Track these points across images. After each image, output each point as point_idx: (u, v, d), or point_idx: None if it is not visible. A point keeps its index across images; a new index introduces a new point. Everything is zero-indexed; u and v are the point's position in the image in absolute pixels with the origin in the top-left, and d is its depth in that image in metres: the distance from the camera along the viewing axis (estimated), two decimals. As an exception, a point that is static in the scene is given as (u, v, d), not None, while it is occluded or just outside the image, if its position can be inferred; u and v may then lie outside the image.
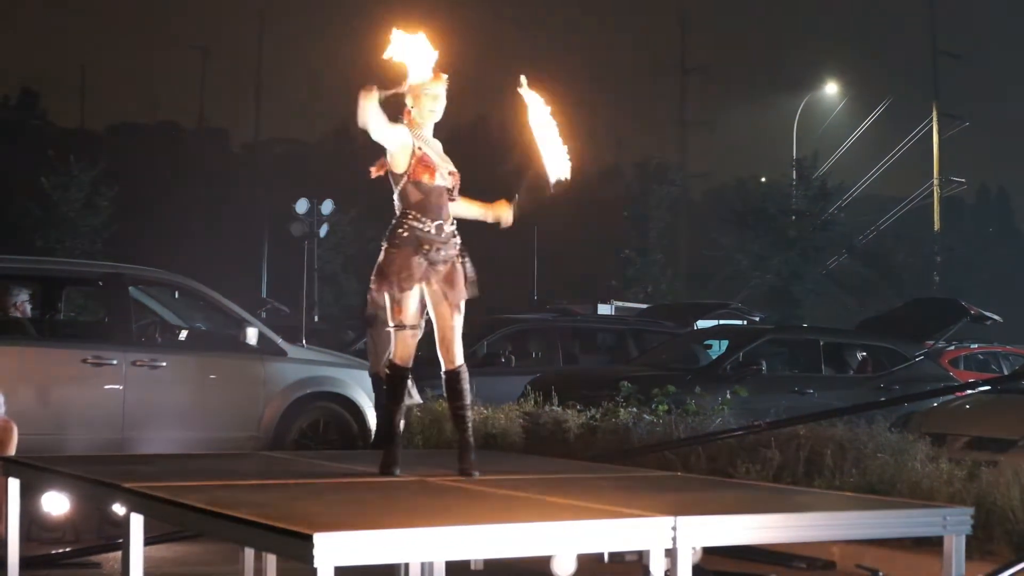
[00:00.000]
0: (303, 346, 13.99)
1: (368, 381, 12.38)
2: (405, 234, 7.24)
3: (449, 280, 7.29)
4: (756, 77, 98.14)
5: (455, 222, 7.38)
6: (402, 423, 12.23)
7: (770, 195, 43.28)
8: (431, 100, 7.40)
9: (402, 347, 7.43)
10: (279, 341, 12.60)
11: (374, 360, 12.28)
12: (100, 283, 12.63)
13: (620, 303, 32.32)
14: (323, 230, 29.97)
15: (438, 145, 7.43)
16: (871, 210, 47.79)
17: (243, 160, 56.76)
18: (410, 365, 7.46)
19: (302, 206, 29.03)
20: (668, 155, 51.16)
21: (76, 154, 39.34)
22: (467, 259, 7.39)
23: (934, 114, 47.32)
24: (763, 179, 47.27)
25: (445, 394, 7.59)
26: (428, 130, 7.43)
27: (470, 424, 7.45)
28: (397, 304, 7.32)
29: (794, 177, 43.19)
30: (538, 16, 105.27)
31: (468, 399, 7.49)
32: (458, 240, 7.34)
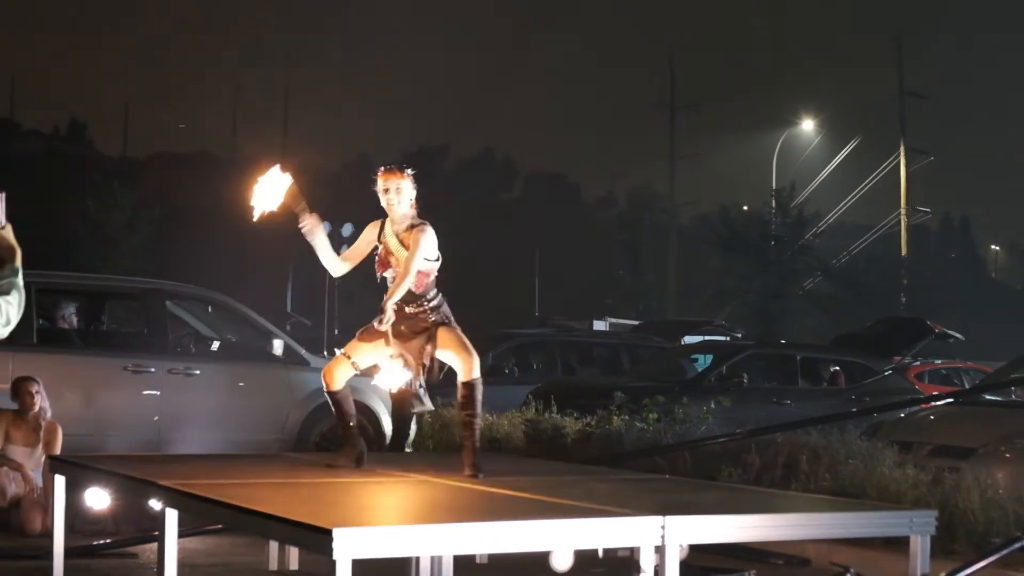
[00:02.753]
0: (325, 357, 13.96)
1: (384, 390, 12.36)
2: (378, 316, 7.51)
3: (416, 347, 7.49)
4: (740, 114, 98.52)
5: (425, 303, 7.48)
6: (414, 427, 12.28)
7: (752, 222, 43.33)
8: (383, 194, 7.56)
9: (334, 370, 7.72)
10: (303, 352, 12.58)
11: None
12: (140, 297, 12.63)
13: (614, 320, 32.33)
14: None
15: (403, 236, 7.54)
16: (844, 236, 47.96)
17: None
18: (332, 388, 7.70)
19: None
20: (659, 184, 51.23)
21: (119, 180, 39.41)
22: (450, 325, 7.50)
23: (901, 149, 47.46)
24: (745, 207, 47.32)
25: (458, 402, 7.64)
26: (395, 224, 7.57)
27: (477, 431, 7.49)
28: (355, 342, 7.63)
29: (774, 205, 43.23)
30: (536, 56, 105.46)
31: (478, 408, 7.51)
32: (430, 318, 7.47)
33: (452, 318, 7.60)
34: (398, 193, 7.51)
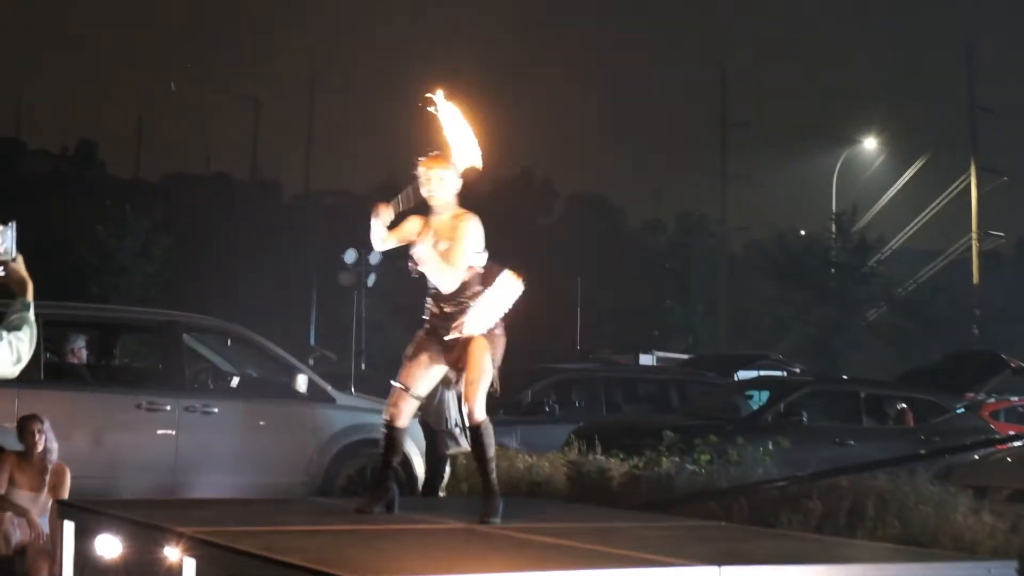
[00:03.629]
0: (351, 393, 13.97)
1: (417, 429, 12.35)
2: (423, 317, 7.72)
3: (459, 356, 7.56)
4: (796, 131, 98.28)
5: (466, 300, 7.53)
6: (448, 471, 12.27)
7: (810, 248, 43.20)
8: (423, 184, 7.61)
9: (394, 403, 7.78)
10: (328, 388, 12.58)
11: (423, 408, 12.26)
12: (154, 330, 12.68)
13: (662, 353, 32.25)
14: (371, 279, 30.01)
15: (446, 223, 7.58)
16: (910, 263, 47.59)
17: (294, 211, 57.04)
18: (398, 424, 7.76)
19: (351, 256, 29.07)
20: (709, 208, 51.11)
21: (132, 204, 39.62)
22: (490, 331, 7.53)
23: (972, 168, 47.12)
24: (803, 232, 47.19)
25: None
26: (439, 214, 7.62)
27: (493, 475, 7.58)
28: (408, 369, 7.73)
29: (834, 230, 43.10)
30: (580, 69, 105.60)
31: (490, 452, 7.63)
32: (462, 310, 7.50)
33: (497, 325, 7.57)
34: (440, 182, 7.57)
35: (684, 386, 19.87)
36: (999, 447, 13.15)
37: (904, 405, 16.81)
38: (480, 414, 7.57)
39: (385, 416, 7.83)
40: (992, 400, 22.87)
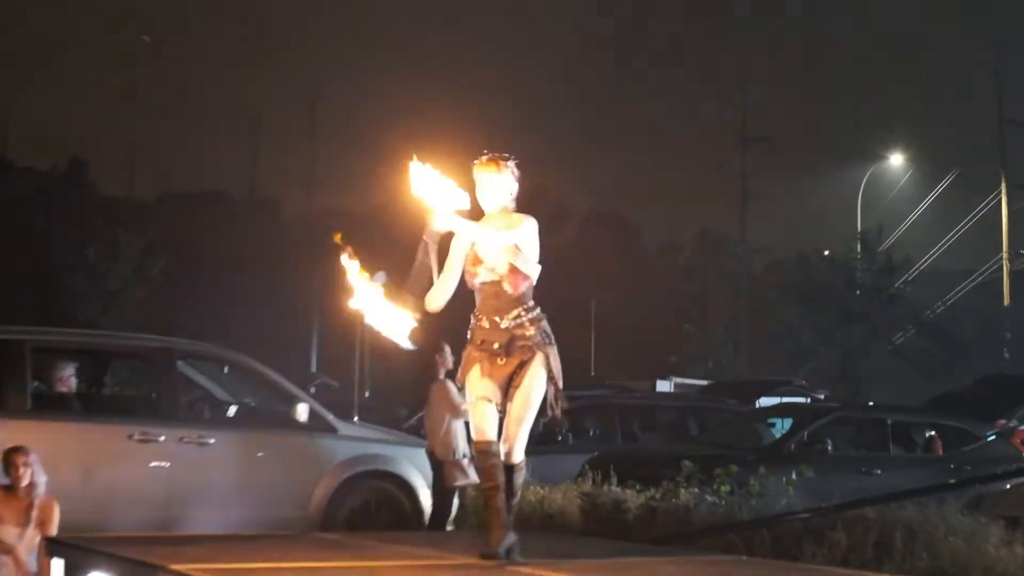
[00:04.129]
0: (354, 423, 13.96)
1: (424, 460, 12.33)
2: (468, 333, 7.49)
3: (513, 375, 7.36)
4: (819, 148, 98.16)
5: (524, 313, 7.39)
6: (456, 504, 12.25)
7: (834, 269, 43.18)
8: (477, 188, 7.51)
9: (474, 419, 7.49)
10: (329, 418, 12.56)
11: (430, 438, 12.25)
12: (147, 357, 12.67)
13: (680, 379, 32.21)
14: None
15: (497, 236, 7.39)
16: (939, 284, 47.51)
17: (295, 231, 57.08)
18: (488, 438, 7.43)
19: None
20: (729, 228, 51.11)
21: (124, 224, 39.61)
22: (547, 355, 7.38)
23: (1003, 185, 47.08)
24: (826, 252, 47.17)
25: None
26: (495, 219, 7.48)
27: (510, 514, 7.43)
28: (468, 386, 7.49)
29: (859, 251, 43.06)
30: (591, 80, 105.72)
31: (516, 497, 7.52)
32: (530, 334, 7.36)
33: (553, 341, 7.47)
34: (492, 188, 7.48)
35: (703, 414, 19.85)
36: (1033, 476, 13.10)
37: (933, 433, 16.76)
38: (519, 455, 7.43)
39: (475, 433, 7.53)
40: (1025, 427, 22.84)
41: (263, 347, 26.95)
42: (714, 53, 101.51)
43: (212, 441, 11.80)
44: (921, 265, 47.35)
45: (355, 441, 12.62)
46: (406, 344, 7.51)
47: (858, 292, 42.08)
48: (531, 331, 7.36)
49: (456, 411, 11.91)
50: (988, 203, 47.62)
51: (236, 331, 37.69)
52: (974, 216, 48.38)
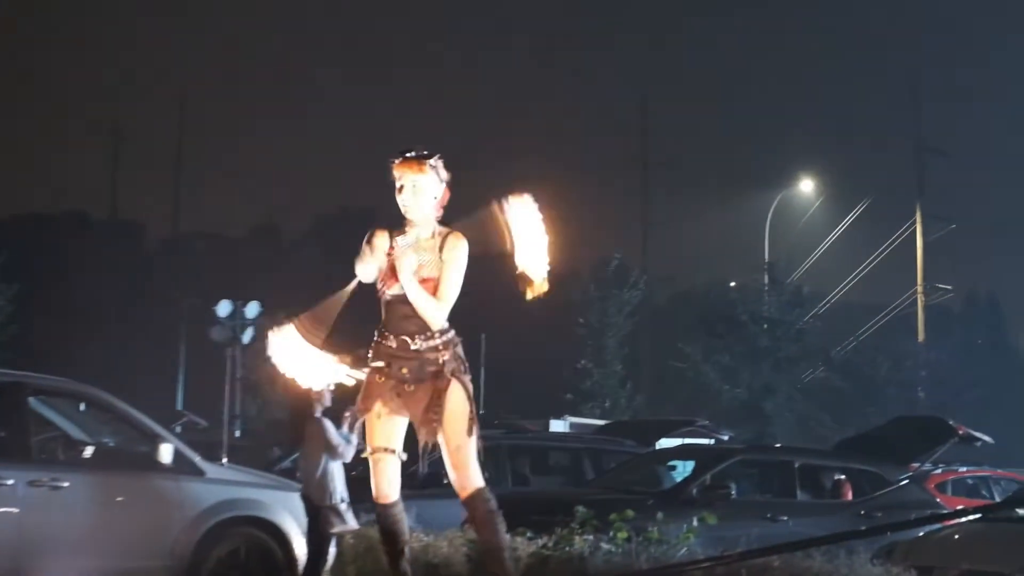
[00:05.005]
0: (223, 465, 13.87)
1: (298, 505, 12.26)
2: (369, 352, 7.29)
3: (424, 401, 7.21)
4: (725, 173, 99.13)
5: (437, 335, 7.24)
6: (332, 552, 12.19)
7: (740, 301, 43.49)
8: (398, 193, 7.30)
9: (375, 475, 7.33)
10: (196, 459, 12.46)
11: (305, 481, 12.18)
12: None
13: (575, 419, 32.34)
14: (247, 335, 29.72)
15: (424, 244, 7.27)
16: (850, 319, 48.01)
17: (160, 256, 56.62)
18: (390, 500, 7.32)
19: (224, 308, 28.88)
20: (629, 257, 51.36)
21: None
22: (465, 377, 7.26)
23: (918, 215, 47.68)
24: (732, 284, 47.54)
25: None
26: (413, 230, 7.32)
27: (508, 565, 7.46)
28: (367, 427, 7.30)
29: (766, 282, 43.45)
30: (480, 95, 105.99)
31: (487, 534, 7.47)
32: (444, 359, 7.21)
33: (467, 367, 7.33)
34: (415, 191, 7.23)
35: (599, 455, 19.87)
36: (946, 523, 13.28)
37: (842, 476, 16.92)
38: (472, 483, 7.29)
39: (376, 494, 7.42)
40: (939, 471, 23.17)
41: (124, 382, 26.74)
42: (612, 73, 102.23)
43: (66, 484, 11.65)
44: (831, 298, 47.89)
45: (224, 484, 12.53)
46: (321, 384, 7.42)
47: (765, 326, 42.41)
48: (445, 355, 7.21)
49: (333, 452, 11.85)
50: (902, 233, 48.25)
51: (94, 364, 37.31)
52: (887, 247, 49.00)
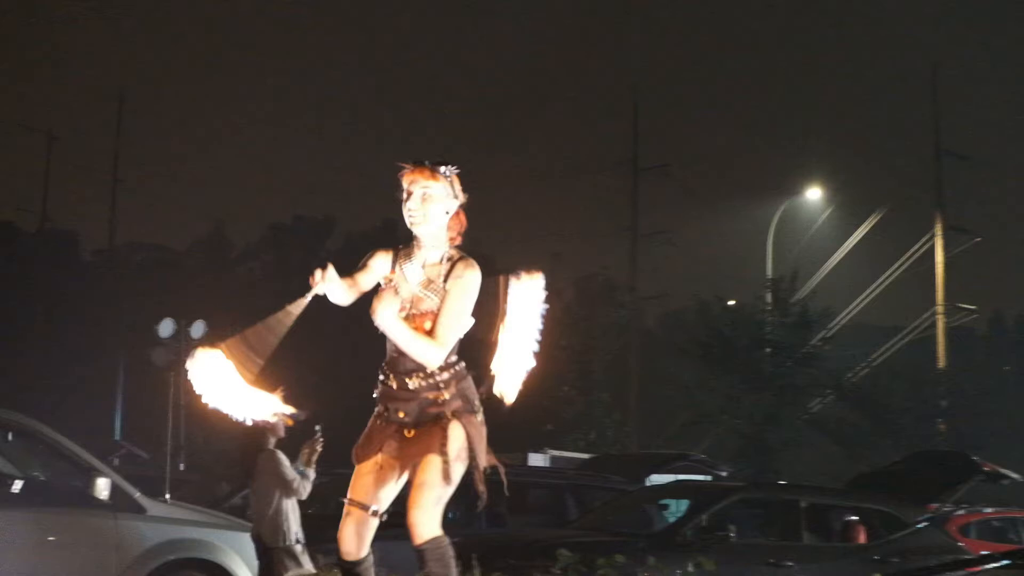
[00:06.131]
0: (166, 501, 13.88)
1: (249, 546, 12.29)
2: (375, 393, 7.21)
3: (423, 447, 7.10)
4: (724, 181, 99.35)
5: (438, 372, 7.10)
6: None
7: (740, 322, 43.49)
8: (404, 202, 7.19)
9: (343, 528, 7.22)
10: (136, 495, 12.48)
11: (256, 520, 12.20)
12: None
13: (556, 452, 32.32)
14: (164, 352, 29.67)
15: (430, 271, 7.17)
16: (862, 342, 47.96)
17: (95, 269, 56.48)
18: (355, 558, 7.18)
19: (166, 328, 28.75)
20: (616, 272, 51.39)
21: None
22: (464, 425, 7.14)
23: (938, 227, 47.57)
24: (731, 302, 47.58)
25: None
26: (420, 252, 7.21)
27: None
28: (354, 474, 7.19)
29: (769, 301, 43.46)
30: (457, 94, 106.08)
31: None
32: (445, 398, 7.12)
33: (477, 405, 7.17)
34: (424, 201, 7.10)
35: (583, 492, 19.91)
36: (970, 569, 13.33)
37: (854, 517, 16.97)
38: (429, 530, 7.10)
39: (341, 550, 7.25)
40: (961, 512, 23.19)
41: (55, 408, 26.67)
42: (603, 73, 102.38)
43: (-7, 522, 11.67)
44: (842, 319, 47.87)
45: (167, 523, 12.55)
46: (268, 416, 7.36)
47: (768, 350, 42.44)
48: (446, 395, 7.12)
49: (288, 488, 11.88)
50: (920, 248, 48.12)
51: (22, 389, 37.20)
52: (904, 262, 48.93)
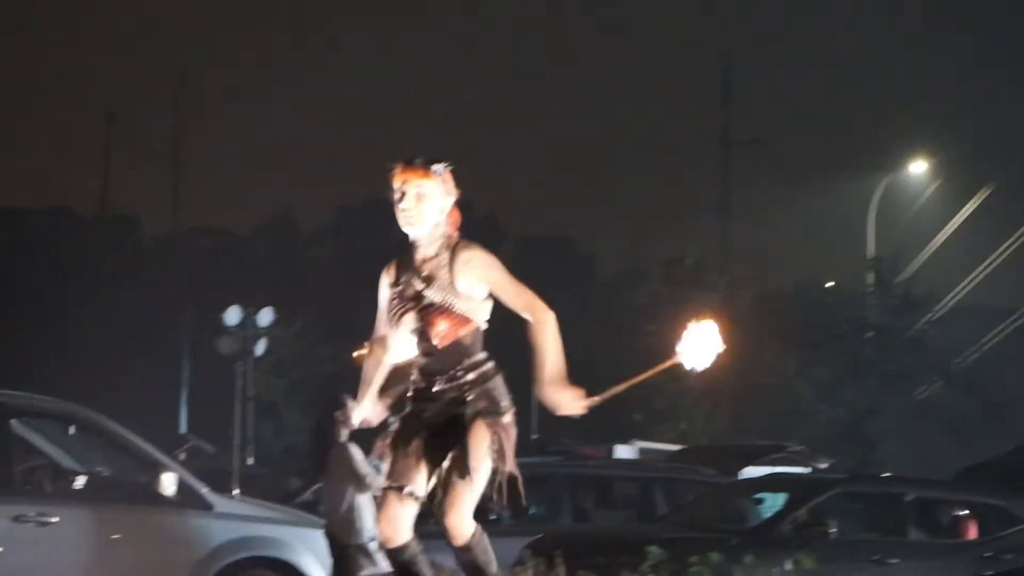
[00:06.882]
0: (234, 497, 13.98)
1: (321, 544, 12.34)
2: (409, 392, 7.40)
3: (448, 449, 7.25)
4: (821, 154, 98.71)
5: (462, 374, 7.29)
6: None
7: (840, 305, 43.33)
8: (397, 203, 7.40)
9: (381, 514, 7.39)
10: (203, 491, 12.56)
11: (329, 516, 12.25)
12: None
13: (645, 444, 32.30)
14: (260, 347, 29.83)
15: (429, 266, 7.33)
16: (971, 325, 47.60)
17: (158, 256, 56.80)
18: (395, 544, 7.32)
19: (233, 316, 28.99)
20: (706, 253, 51.27)
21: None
22: (490, 426, 7.27)
23: (1051, 201, 47.26)
24: (830, 285, 47.33)
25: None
26: (418, 249, 7.39)
27: None
28: (389, 459, 7.36)
29: (870, 282, 43.25)
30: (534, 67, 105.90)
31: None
32: (470, 399, 7.26)
33: (506, 405, 7.36)
34: (419, 201, 7.29)
35: (674, 486, 19.89)
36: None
37: (964, 511, 16.89)
38: (465, 530, 7.26)
39: (380, 537, 7.47)
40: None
41: (119, 401, 26.88)
42: (691, 41, 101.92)
43: (55, 520, 11.79)
44: (949, 301, 47.55)
45: (235, 520, 12.63)
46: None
47: (869, 335, 42.25)
48: (471, 395, 7.25)
49: (361, 483, 11.92)
50: (1033, 223, 47.78)
51: (84, 381, 37.50)
52: (1016, 240, 48.54)
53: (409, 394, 7.44)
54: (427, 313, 7.24)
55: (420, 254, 7.33)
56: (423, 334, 7.28)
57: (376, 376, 7.51)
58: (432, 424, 7.27)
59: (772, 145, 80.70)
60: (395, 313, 7.33)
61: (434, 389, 7.26)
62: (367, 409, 7.53)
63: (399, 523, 7.28)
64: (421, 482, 7.32)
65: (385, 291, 7.44)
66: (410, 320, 7.30)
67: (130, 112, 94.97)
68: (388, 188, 7.38)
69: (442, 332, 7.21)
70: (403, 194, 7.30)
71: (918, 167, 51.40)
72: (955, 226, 49.88)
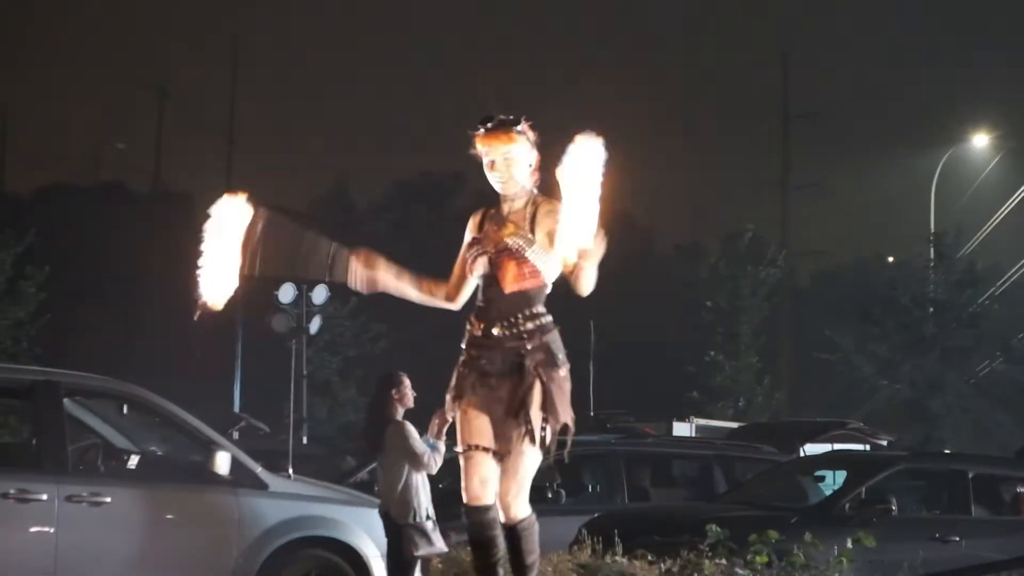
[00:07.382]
0: (289, 476, 14.00)
1: (377, 523, 12.34)
2: (463, 342, 7.45)
3: (506, 399, 7.28)
4: (882, 127, 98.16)
5: (522, 322, 7.34)
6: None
7: (901, 280, 43.17)
8: (488, 170, 7.49)
9: (465, 475, 7.41)
10: (257, 470, 12.57)
11: (384, 496, 12.25)
12: (25, 394, 12.65)
13: (703, 421, 32.28)
14: (315, 325, 29.85)
15: (515, 217, 7.44)
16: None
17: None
18: (483, 502, 7.36)
19: (287, 294, 28.97)
20: (766, 228, 51.09)
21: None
22: (545, 381, 7.29)
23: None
24: (890, 259, 47.15)
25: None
26: (507, 202, 7.51)
27: None
28: (458, 421, 7.43)
29: (932, 257, 43.08)
30: (589, 48, 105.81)
31: (528, 559, 7.37)
32: (529, 348, 7.29)
33: (562, 359, 7.39)
34: (508, 164, 7.41)
35: (732, 464, 19.86)
36: None
37: (1026, 489, 16.85)
38: (521, 509, 7.31)
39: (467, 496, 7.46)
40: None
41: (172, 380, 26.97)
42: (752, 12, 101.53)
43: (108, 500, 11.81)
44: (1012, 276, 47.29)
45: (290, 499, 12.64)
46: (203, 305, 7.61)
47: (931, 310, 42.09)
48: (529, 345, 7.28)
49: (417, 462, 11.90)
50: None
51: (139, 360, 37.67)
52: (1080, 214, 48.33)
53: (463, 343, 7.50)
54: (500, 258, 7.35)
55: (508, 206, 7.49)
56: (491, 279, 7.38)
57: (419, 283, 7.64)
58: (487, 374, 7.30)
59: (833, 118, 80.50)
60: (472, 257, 7.43)
61: (493, 332, 7.31)
62: (381, 273, 7.71)
63: (486, 483, 7.34)
64: (492, 439, 7.36)
65: (467, 236, 7.58)
66: (482, 264, 7.41)
67: (183, 88, 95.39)
68: (471, 145, 7.47)
69: (511, 277, 7.29)
70: (492, 161, 7.42)
71: (980, 140, 51.17)
72: (1017, 200, 49.60)
